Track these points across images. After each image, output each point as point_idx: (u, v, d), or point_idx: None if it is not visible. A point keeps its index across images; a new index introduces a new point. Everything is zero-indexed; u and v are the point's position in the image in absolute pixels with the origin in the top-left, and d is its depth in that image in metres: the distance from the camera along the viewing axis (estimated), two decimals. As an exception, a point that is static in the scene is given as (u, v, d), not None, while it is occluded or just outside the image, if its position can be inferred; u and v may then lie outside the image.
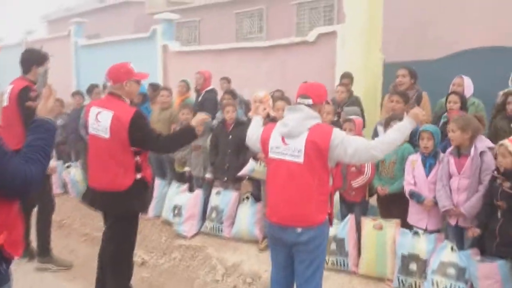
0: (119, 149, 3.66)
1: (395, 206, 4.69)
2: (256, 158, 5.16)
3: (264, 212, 5.44)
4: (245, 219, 5.54)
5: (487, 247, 3.91)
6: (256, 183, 5.71)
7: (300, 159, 3.18)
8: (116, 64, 3.84)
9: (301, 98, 3.31)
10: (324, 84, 7.25)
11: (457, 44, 8.88)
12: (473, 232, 4.02)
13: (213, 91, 7.42)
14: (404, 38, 10.10)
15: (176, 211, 5.92)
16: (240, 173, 5.38)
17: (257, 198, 5.69)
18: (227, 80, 7.83)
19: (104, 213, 3.99)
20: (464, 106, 5.01)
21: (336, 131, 3.20)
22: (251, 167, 5.21)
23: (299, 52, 8.36)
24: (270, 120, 5.49)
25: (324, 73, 8.02)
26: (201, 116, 4.03)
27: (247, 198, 5.70)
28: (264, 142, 3.42)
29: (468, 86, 5.48)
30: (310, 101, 3.27)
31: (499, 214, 3.80)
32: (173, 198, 6.11)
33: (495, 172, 3.85)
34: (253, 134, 3.68)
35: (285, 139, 3.27)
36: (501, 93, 5.45)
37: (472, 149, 4.06)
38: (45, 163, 2.20)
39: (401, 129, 3.22)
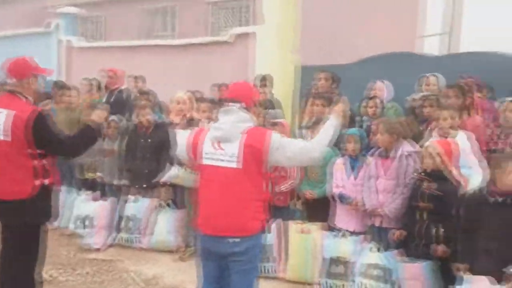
0: (19, 152, 3.29)
1: (320, 209, 4.66)
2: (179, 163, 4.87)
3: (187, 220, 5.26)
4: (164, 228, 5.24)
5: (411, 248, 3.98)
6: (177, 189, 5.40)
7: (236, 164, 2.97)
8: (17, 59, 3.44)
9: (232, 101, 3.10)
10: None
11: (367, 50, 9.25)
12: (400, 233, 4.08)
13: (126, 91, 6.98)
14: (319, 43, 10.30)
15: (86, 222, 5.44)
16: (162, 179, 5.05)
17: (177, 205, 5.40)
18: (141, 79, 7.42)
19: (3, 225, 3.51)
20: (382, 110, 5.14)
21: (273, 134, 3.04)
22: (174, 173, 4.90)
23: (215, 52, 8.20)
24: (191, 122, 5.27)
25: (241, 74, 7.90)
26: (100, 112, 3.67)
27: (167, 205, 5.39)
28: (195, 147, 3.16)
29: (388, 90, 5.65)
30: (239, 105, 3.07)
31: (424, 215, 3.88)
32: (82, 208, 5.61)
33: (422, 174, 3.93)
34: (181, 144, 3.38)
35: (219, 144, 3.05)
36: (411, 97, 5.68)
37: (397, 152, 4.14)
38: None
39: (331, 126, 3.10)
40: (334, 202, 4.54)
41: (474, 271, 3.31)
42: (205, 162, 3.09)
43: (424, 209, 3.87)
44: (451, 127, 4.21)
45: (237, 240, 3.00)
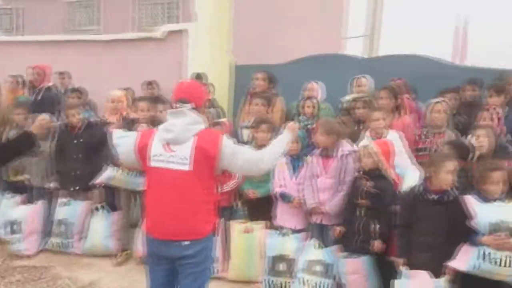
0: None
1: (263, 208, 4.71)
2: (115, 164, 4.71)
3: (123, 223, 5.10)
4: (98, 232, 5.05)
5: (350, 243, 4.13)
6: (110, 191, 5.21)
7: (188, 167, 2.94)
8: None
9: (181, 103, 3.05)
10: (174, 83, 7.05)
11: (296, 50, 9.46)
12: (339, 230, 4.23)
13: (53, 88, 6.61)
14: (250, 42, 10.36)
15: (14, 227, 5.11)
16: (97, 181, 4.86)
17: (112, 207, 5.22)
18: (66, 75, 7.07)
19: None
20: (319, 110, 5.29)
21: (226, 139, 3.03)
22: (109, 174, 4.75)
23: (145, 49, 7.96)
24: (128, 122, 5.12)
25: (173, 72, 7.77)
26: (43, 120, 3.50)
27: (102, 207, 5.19)
28: (142, 149, 3.07)
29: (322, 91, 5.83)
30: (189, 106, 3.03)
31: (362, 212, 4.06)
32: (8, 212, 5.27)
33: (360, 172, 4.11)
34: (125, 146, 3.27)
35: (169, 146, 3.00)
36: (345, 98, 5.91)
37: (338, 151, 4.28)
38: None
39: (283, 141, 3.19)
40: (276, 201, 4.61)
41: (411, 265, 3.52)
42: (154, 164, 3.02)
43: (362, 206, 4.05)
44: (383, 127, 4.44)
45: (189, 243, 2.98)
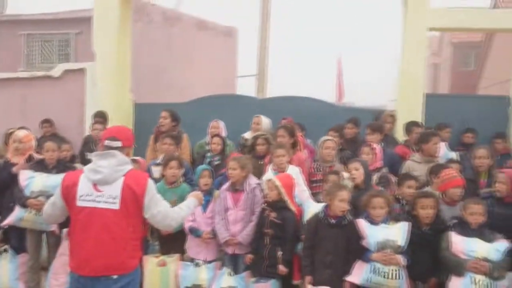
0: None
1: (174, 242, 4.94)
2: (24, 205, 4.66)
3: (30, 264, 4.99)
4: (5, 275, 4.89)
5: (258, 269, 4.53)
6: (16, 232, 5.07)
7: (116, 206, 3.16)
8: None
9: (109, 141, 3.28)
10: (73, 121, 7.13)
11: (193, 88, 9.91)
12: (249, 258, 4.61)
13: None
14: (149, 81, 10.59)
15: None
16: (5, 222, 4.75)
17: (17, 249, 5.08)
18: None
19: None
20: (225, 147, 5.73)
21: (151, 182, 3.31)
22: (18, 215, 4.68)
23: (42, 87, 7.87)
24: (36, 163, 5.07)
25: (73, 111, 7.80)
26: None
27: (5, 251, 5.03)
28: (68, 190, 3.24)
29: (223, 128, 6.28)
30: (119, 143, 3.27)
31: (268, 240, 4.49)
32: None
33: (265, 204, 4.56)
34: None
35: (97, 186, 3.19)
36: (245, 135, 6.43)
37: (246, 185, 4.71)
38: None
39: (189, 206, 3.54)
40: (187, 234, 4.88)
41: (316, 282, 4.01)
42: (81, 204, 3.19)
43: (268, 234, 4.49)
44: (285, 163, 4.98)
45: (117, 277, 3.17)
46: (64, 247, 4.87)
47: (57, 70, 7.86)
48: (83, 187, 3.20)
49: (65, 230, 4.54)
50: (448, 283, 3.89)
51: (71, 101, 7.69)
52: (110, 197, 3.16)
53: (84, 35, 10.34)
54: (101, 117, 6.97)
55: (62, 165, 5.07)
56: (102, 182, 3.18)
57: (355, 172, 4.67)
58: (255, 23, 13.75)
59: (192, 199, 3.61)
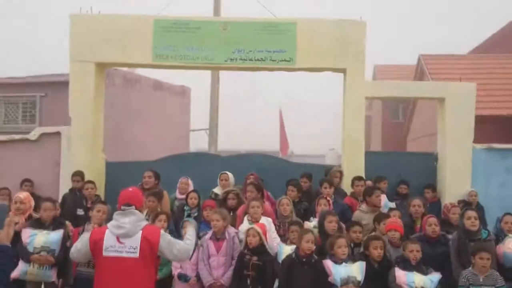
0: None
1: (161, 286, 5.61)
2: (28, 260, 5.23)
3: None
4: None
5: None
6: (16, 285, 5.56)
7: (136, 254, 3.95)
8: None
9: (126, 205, 4.09)
10: (48, 181, 7.65)
11: (147, 145, 10.67)
12: (229, 298, 5.40)
13: None
14: (108, 140, 11.22)
15: None
16: (12, 275, 5.24)
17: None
18: None
19: None
20: (199, 200, 6.57)
21: (163, 232, 4.18)
22: (22, 269, 5.22)
23: (19, 150, 8.38)
24: (33, 221, 5.66)
25: (49, 171, 8.31)
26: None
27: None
28: (96, 243, 3.99)
29: (191, 185, 7.13)
30: (134, 207, 4.09)
31: (249, 281, 5.30)
32: None
33: (246, 250, 5.40)
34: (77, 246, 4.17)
35: (120, 239, 3.96)
36: (215, 190, 7.28)
37: (226, 234, 5.54)
38: (5, 283, 2.45)
39: (192, 235, 4.44)
40: (175, 280, 5.61)
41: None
42: (106, 254, 3.95)
43: (250, 276, 5.31)
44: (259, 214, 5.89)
45: None
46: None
47: (34, 133, 8.42)
48: (109, 240, 3.97)
49: None
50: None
51: (48, 162, 8.25)
52: (131, 248, 3.95)
53: (49, 98, 10.96)
54: (79, 176, 7.59)
55: (57, 222, 5.70)
56: (124, 236, 3.97)
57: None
58: (207, 81, 14.88)
59: (190, 229, 4.45)
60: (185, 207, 6.61)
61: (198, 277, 5.53)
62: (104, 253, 3.96)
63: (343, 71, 8.18)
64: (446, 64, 15.90)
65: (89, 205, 6.81)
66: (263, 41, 8.12)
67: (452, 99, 8.13)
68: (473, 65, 15.53)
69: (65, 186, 7.97)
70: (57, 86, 11.47)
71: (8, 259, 2.55)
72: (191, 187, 7.23)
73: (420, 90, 8.68)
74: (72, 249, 4.20)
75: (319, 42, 8.06)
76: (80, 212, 6.92)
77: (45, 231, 5.47)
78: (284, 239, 5.90)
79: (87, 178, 7.74)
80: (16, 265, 5.28)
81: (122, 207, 4.09)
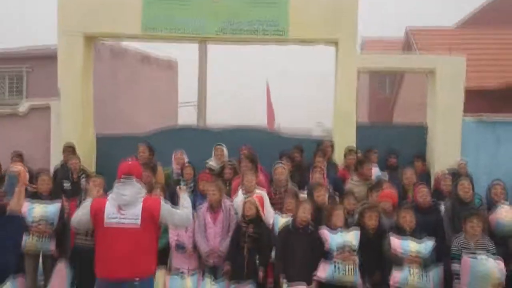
0: None
1: (160, 257, 5.66)
2: (27, 231, 5.22)
3: (28, 285, 5.50)
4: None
5: (239, 275, 5.39)
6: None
7: (138, 223, 3.98)
8: None
9: (126, 176, 4.10)
10: (39, 155, 7.59)
11: (135, 120, 10.57)
12: (227, 269, 5.48)
13: None
14: (96, 113, 11.12)
15: None
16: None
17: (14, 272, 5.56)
18: None
19: None
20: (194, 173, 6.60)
21: (163, 201, 4.20)
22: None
23: (7, 124, 8.27)
24: (30, 194, 5.64)
25: (39, 145, 8.24)
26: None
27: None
28: (97, 212, 4.01)
29: (185, 157, 7.14)
30: (134, 178, 4.11)
31: (246, 251, 5.39)
32: None
33: (242, 220, 5.47)
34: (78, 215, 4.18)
35: (121, 208, 3.98)
36: (210, 162, 7.29)
37: (222, 205, 5.60)
38: (18, 253, 2.46)
39: (187, 201, 4.40)
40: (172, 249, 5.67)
41: (289, 278, 4.96)
42: (108, 222, 3.98)
43: (246, 246, 5.39)
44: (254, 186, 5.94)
45: (138, 281, 3.98)
46: (60, 267, 5.50)
47: (23, 107, 8.30)
48: (109, 210, 3.99)
49: None
50: (391, 275, 5.01)
51: (37, 136, 8.17)
52: (132, 217, 3.98)
53: (35, 71, 10.75)
54: (70, 149, 7.54)
55: (53, 194, 5.70)
56: (125, 205, 4.00)
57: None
58: (194, 54, 14.72)
59: (184, 196, 4.41)
60: (181, 180, 6.62)
61: (195, 247, 5.60)
62: (106, 223, 3.98)
63: (335, 43, 8.17)
64: (434, 38, 15.89)
65: (74, 179, 6.78)
66: (255, 13, 8.03)
67: (442, 71, 8.19)
68: (461, 39, 15.58)
69: (55, 160, 7.92)
70: (44, 59, 11.26)
71: (19, 228, 2.54)
72: (185, 160, 7.23)
73: (412, 63, 8.70)
74: (73, 218, 4.20)
75: (311, 13, 8.00)
76: (67, 184, 6.85)
77: (43, 203, 5.47)
78: (280, 206, 5.99)
79: (78, 152, 7.70)
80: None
81: (122, 178, 4.10)
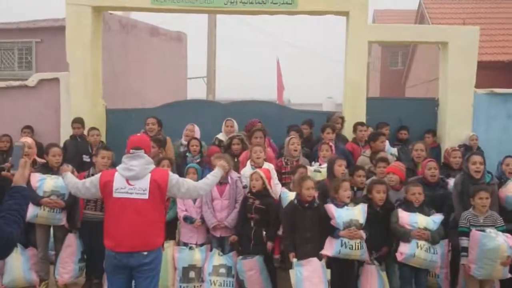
0: None
1: (166, 229, 5.71)
2: (38, 203, 5.28)
3: (40, 256, 5.59)
4: (19, 266, 5.49)
5: (246, 248, 5.44)
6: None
7: (146, 196, 4.00)
8: None
9: (135, 149, 4.10)
10: (49, 128, 7.63)
11: (144, 93, 10.55)
12: (233, 238, 5.53)
13: None
14: (105, 87, 11.12)
15: None
16: (23, 220, 5.34)
17: (24, 244, 5.66)
18: None
19: None
20: (201, 147, 6.59)
21: (171, 173, 4.19)
22: (33, 212, 5.28)
23: (17, 96, 8.29)
24: (40, 166, 5.69)
25: (48, 118, 8.28)
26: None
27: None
28: (106, 185, 4.03)
29: (197, 131, 7.12)
30: (143, 151, 4.11)
31: (253, 224, 5.41)
32: None
33: (249, 193, 5.48)
34: (78, 183, 4.24)
35: (129, 181, 4.00)
36: (219, 136, 7.27)
37: (229, 178, 5.60)
38: (22, 225, 2.47)
39: (216, 175, 4.46)
40: (181, 222, 5.72)
41: (299, 256, 4.97)
42: (116, 195, 4.01)
43: (253, 219, 5.42)
44: (262, 159, 5.92)
45: (146, 253, 4.01)
46: (70, 239, 5.58)
47: (32, 79, 8.31)
48: (118, 182, 4.01)
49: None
50: (397, 249, 5.01)
51: (47, 109, 8.19)
52: (140, 189, 4.00)
53: (45, 43, 10.72)
54: (79, 123, 7.56)
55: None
56: (133, 178, 4.01)
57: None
58: (204, 28, 14.58)
59: (218, 170, 4.47)
60: (187, 154, 6.63)
61: (202, 219, 5.63)
62: (115, 194, 4.01)
63: (346, 14, 8.01)
64: (447, 9, 15.62)
65: (93, 152, 6.82)
66: (264, -17, 7.88)
67: (455, 43, 8.02)
68: (474, 10, 15.25)
69: (65, 132, 7.96)
70: (53, 31, 11.30)
71: (23, 200, 2.54)
72: (197, 134, 7.19)
73: (424, 34, 8.52)
74: (80, 185, 4.25)
75: (321, -16, 7.83)
76: (86, 158, 6.92)
77: (54, 176, 5.51)
78: (288, 177, 6.02)
79: (87, 125, 7.72)
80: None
81: (131, 151, 4.11)
